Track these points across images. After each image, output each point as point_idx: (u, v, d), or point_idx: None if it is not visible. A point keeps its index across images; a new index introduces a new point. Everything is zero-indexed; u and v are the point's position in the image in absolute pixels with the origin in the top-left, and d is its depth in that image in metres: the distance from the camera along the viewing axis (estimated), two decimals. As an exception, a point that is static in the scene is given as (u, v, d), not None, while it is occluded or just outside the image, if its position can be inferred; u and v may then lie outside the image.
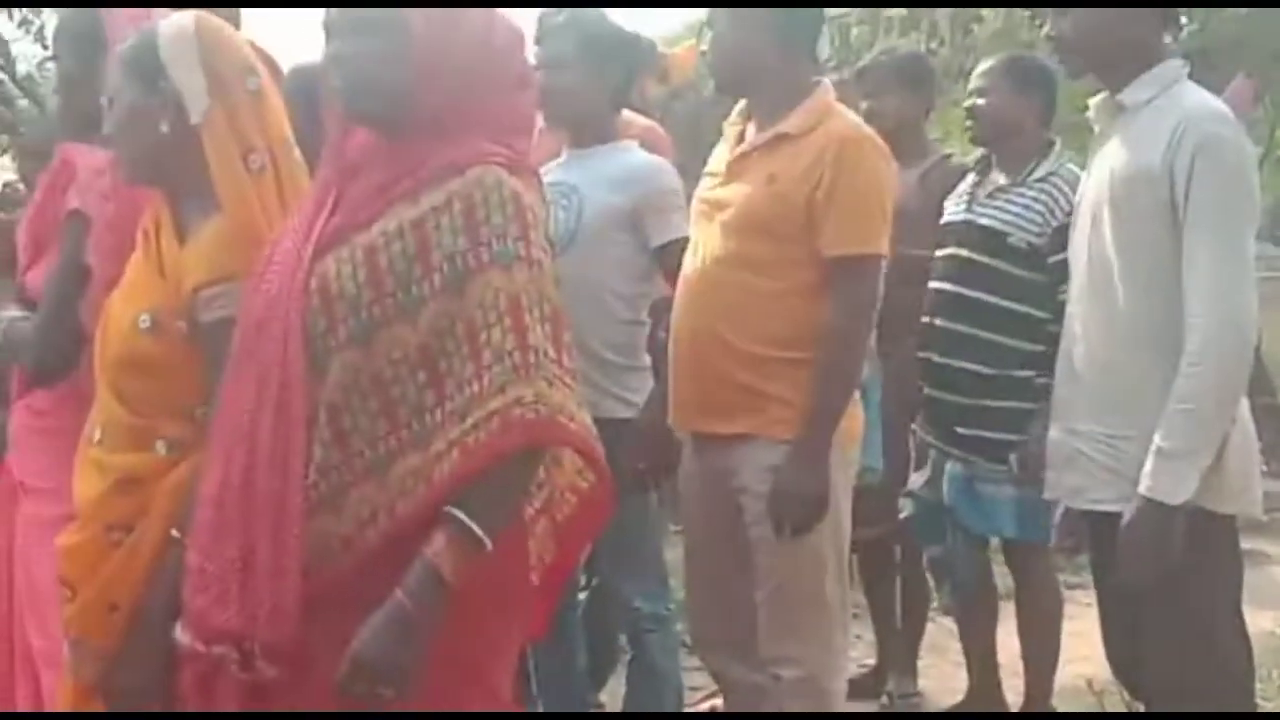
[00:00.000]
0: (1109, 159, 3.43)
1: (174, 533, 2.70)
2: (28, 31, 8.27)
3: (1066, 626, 5.04)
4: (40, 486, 3.29)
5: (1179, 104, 3.35)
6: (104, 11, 3.30)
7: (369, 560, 2.46)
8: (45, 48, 8.66)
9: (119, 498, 2.79)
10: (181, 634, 2.59)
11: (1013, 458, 4.54)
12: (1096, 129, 3.54)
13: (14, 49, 8.20)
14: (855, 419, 3.85)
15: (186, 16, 2.87)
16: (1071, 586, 5.59)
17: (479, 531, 2.40)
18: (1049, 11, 3.53)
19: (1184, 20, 9.93)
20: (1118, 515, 3.31)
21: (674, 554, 4.55)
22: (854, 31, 10.13)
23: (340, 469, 2.49)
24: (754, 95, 3.86)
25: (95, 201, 3.15)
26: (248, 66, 2.87)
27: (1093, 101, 3.55)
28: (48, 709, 3.18)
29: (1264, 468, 11.57)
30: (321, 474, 2.49)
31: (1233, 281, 3.24)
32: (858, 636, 5.54)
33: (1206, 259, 3.23)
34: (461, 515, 2.40)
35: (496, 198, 2.49)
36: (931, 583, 5.45)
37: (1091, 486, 3.45)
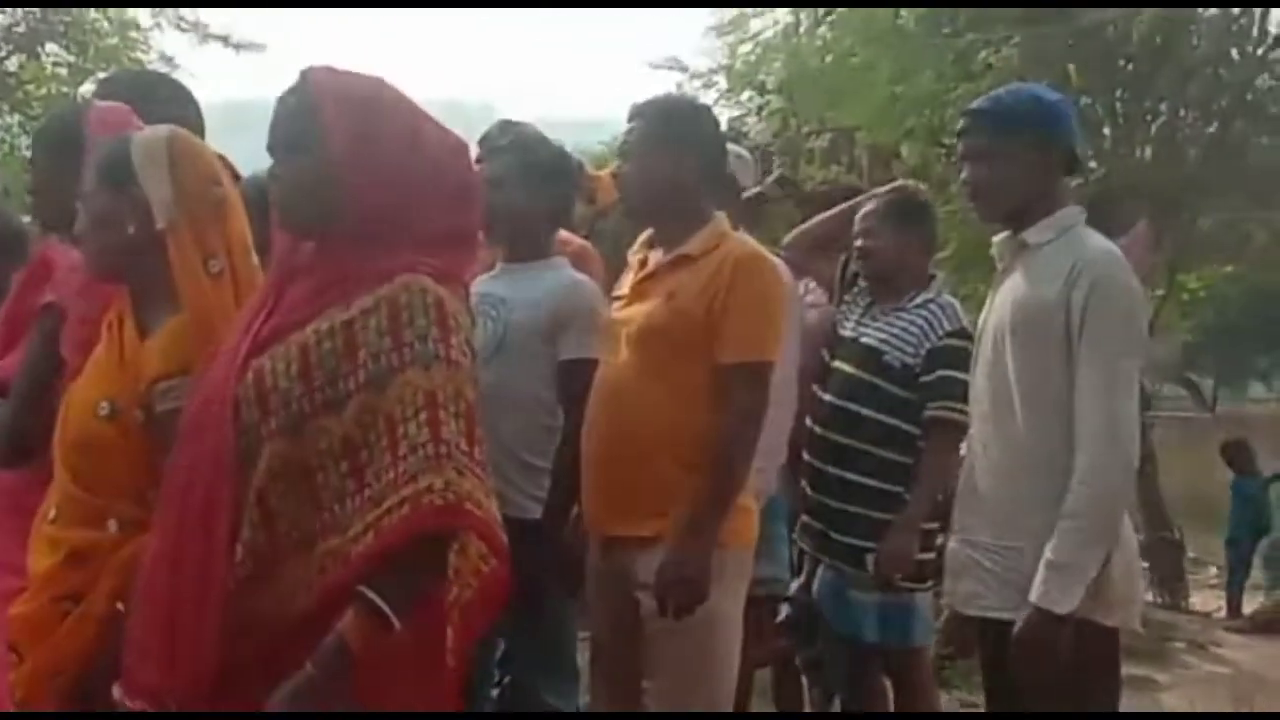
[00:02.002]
0: (1011, 292, 3.70)
1: (119, 606, 2.90)
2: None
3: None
4: (2, 561, 3.45)
5: (1077, 246, 3.64)
6: (84, 117, 3.52)
7: (290, 634, 2.65)
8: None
9: (69, 570, 3.00)
10: (116, 690, 2.80)
11: (868, 559, 4.81)
12: (1000, 264, 3.82)
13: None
14: (749, 525, 4.09)
15: (161, 130, 3.12)
16: (964, 705, 5.81)
17: (386, 609, 2.60)
18: (966, 160, 3.78)
19: (1092, 165, 10.37)
20: (1006, 622, 3.54)
21: (583, 656, 4.74)
22: (775, 161, 10.44)
23: (267, 549, 2.69)
24: (663, 221, 4.14)
25: (70, 296, 3.35)
26: (212, 178, 3.11)
27: (996, 240, 3.83)
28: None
29: (1159, 599, 11.87)
30: (249, 552, 2.69)
31: (1119, 409, 3.51)
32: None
33: (1096, 387, 3.50)
34: (370, 594, 2.60)
35: (420, 303, 2.70)
36: (805, 685, 5.62)
37: (985, 594, 3.68)
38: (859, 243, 5.09)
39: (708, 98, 12.34)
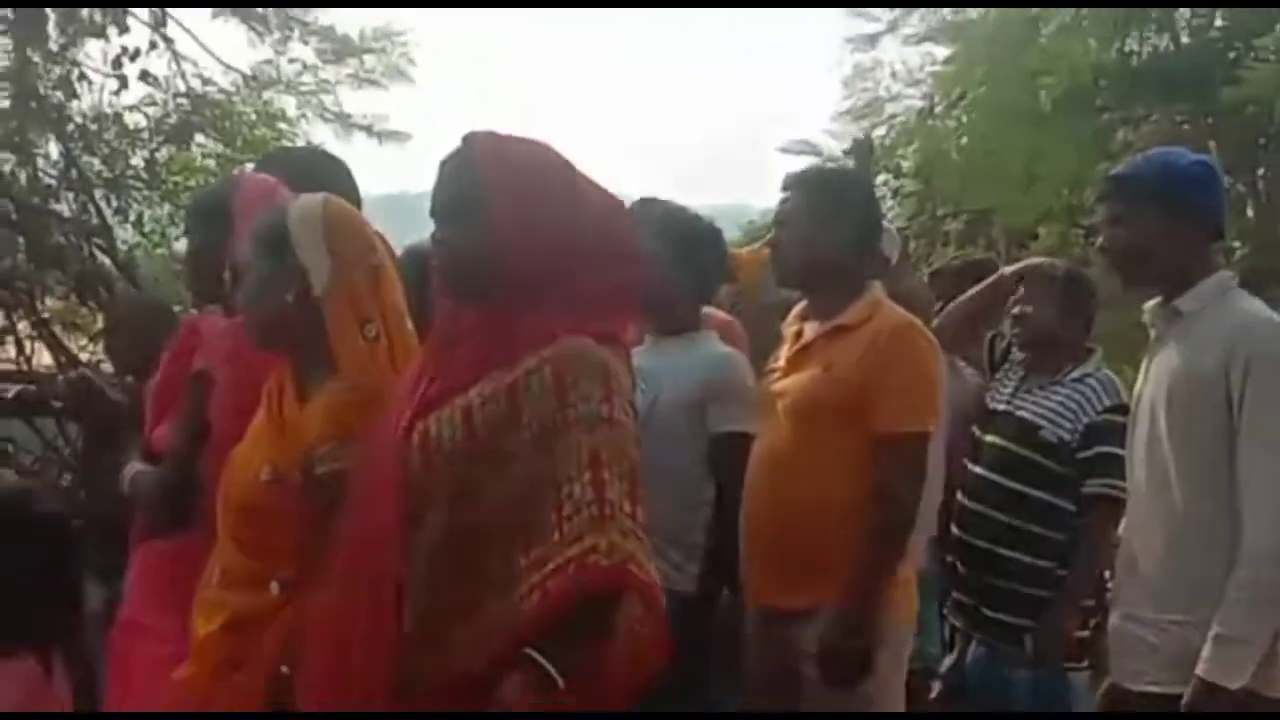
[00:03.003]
0: (1166, 362, 3.63)
1: (284, 669, 2.91)
2: (125, 219, 8.67)
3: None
4: (150, 626, 3.50)
5: (1232, 313, 3.57)
6: (235, 190, 3.60)
7: (456, 697, 2.65)
8: (143, 234, 9.11)
9: (232, 635, 3.04)
10: None
11: (1028, 639, 4.70)
12: (1153, 333, 3.74)
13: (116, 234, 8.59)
14: (909, 597, 4.05)
15: (316, 199, 3.17)
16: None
17: (553, 672, 2.58)
18: (1102, 226, 3.74)
19: (1236, 244, 10.20)
20: (1173, 696, 3.45)
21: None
22: (912, 244, 10.41)
23: (434, 610, 2.70)
24: (817, 291, 4.13)
25: (219, 364, 3.42)
26: (368, 246, 3.16)
27: (1147, 307, 3.76)
28: None
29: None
30: (416, 614, 2.70)
31: None
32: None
33: (1260, 460, 3.41)
34: (537, 656, 2.59)
35: (583, 364, 2.71)
36: None
37: (1149, 670, 3.58)
38: (1019, 309, 5.02)
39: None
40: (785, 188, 4.16)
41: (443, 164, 2.86)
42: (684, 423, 4.37)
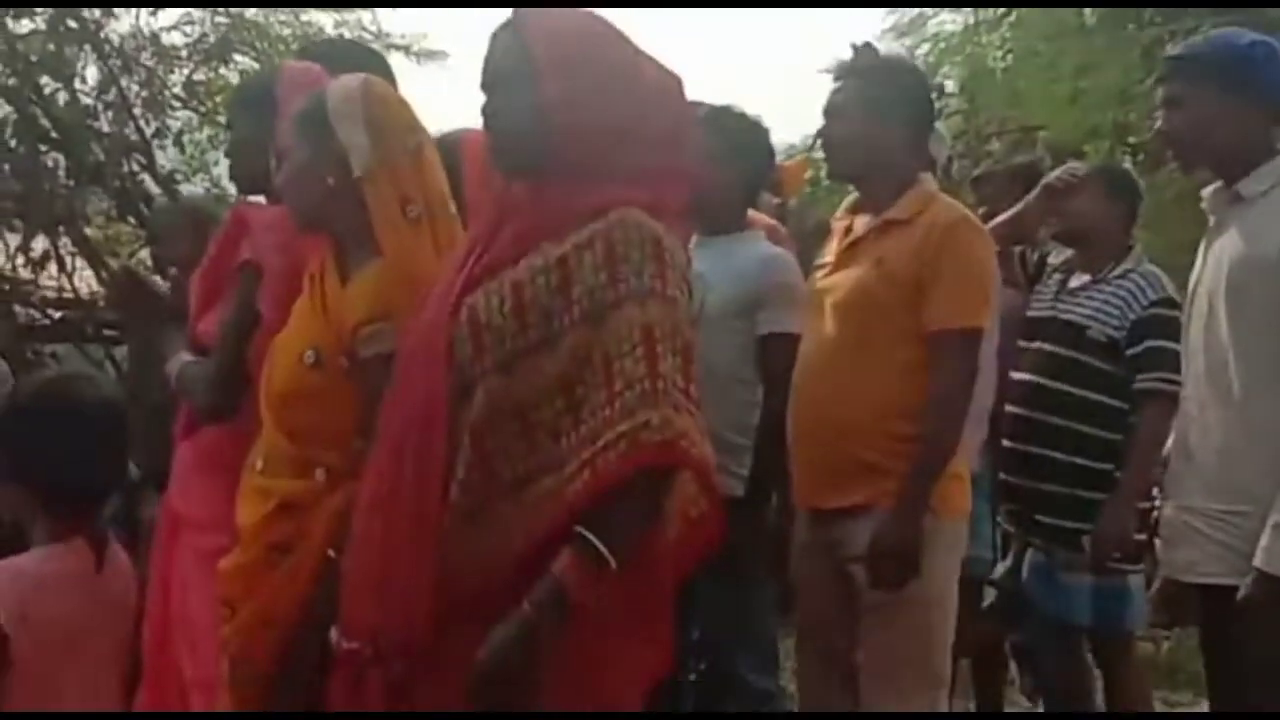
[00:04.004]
0: (1225, 248, 3.55)
1: (331, 553, 2.89)
2: (164, 139, 8.64)
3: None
4: (200, 519, 3.49)
5: None
6: (278, 78, 3.55)
7: (504, 575, 2.60)
8: (184, 157, 9.09)
9: (279, 521, 3.02)
10: (333, 632, 2.78)
11: (1085, 542, 4.66)
12: (1211, 220, 3.66)
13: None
14: (962, 494, 3.99)
15: (355, 79, 3.13)
16: (1170, 704, 5.63)
17: (604, 551, 2.54)
18: (1162, 108, 3.65)
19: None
20: (1230, 589, 3.39)
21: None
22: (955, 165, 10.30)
23: (482, 488, 2.64)
24: (869, 183, 4.06)
25: (268, 254, 3.38)
26: (409, 126, 3.12)
27: (1206, 191, 3.68)
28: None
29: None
30: (464, 492, 2.64)
31: None
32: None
33: None
34: (589, 535, 2.54)
35: (636, 237, 2.64)
36: (1014, 670, 5.47)
37: (1203, 561, 3.53)
38: (1063, 203, 4.95)
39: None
40: (837, 77, 4.08)
41: (493, 36, 2.79)
42: (732, 324, 4.33)
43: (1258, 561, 3.33)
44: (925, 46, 12.09)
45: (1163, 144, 3.81)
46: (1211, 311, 3.55)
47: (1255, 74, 3.57)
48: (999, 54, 11.90)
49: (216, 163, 9.10)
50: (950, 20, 12.12)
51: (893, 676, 3.87)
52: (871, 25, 13.72)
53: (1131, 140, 11.13)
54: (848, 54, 4.15)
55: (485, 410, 2.65)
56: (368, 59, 3.98)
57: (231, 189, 5.17)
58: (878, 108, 3.96)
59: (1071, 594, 4.85)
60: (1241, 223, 3.53)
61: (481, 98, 2.81)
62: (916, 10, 12.14)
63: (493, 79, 2.79)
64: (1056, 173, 5.08)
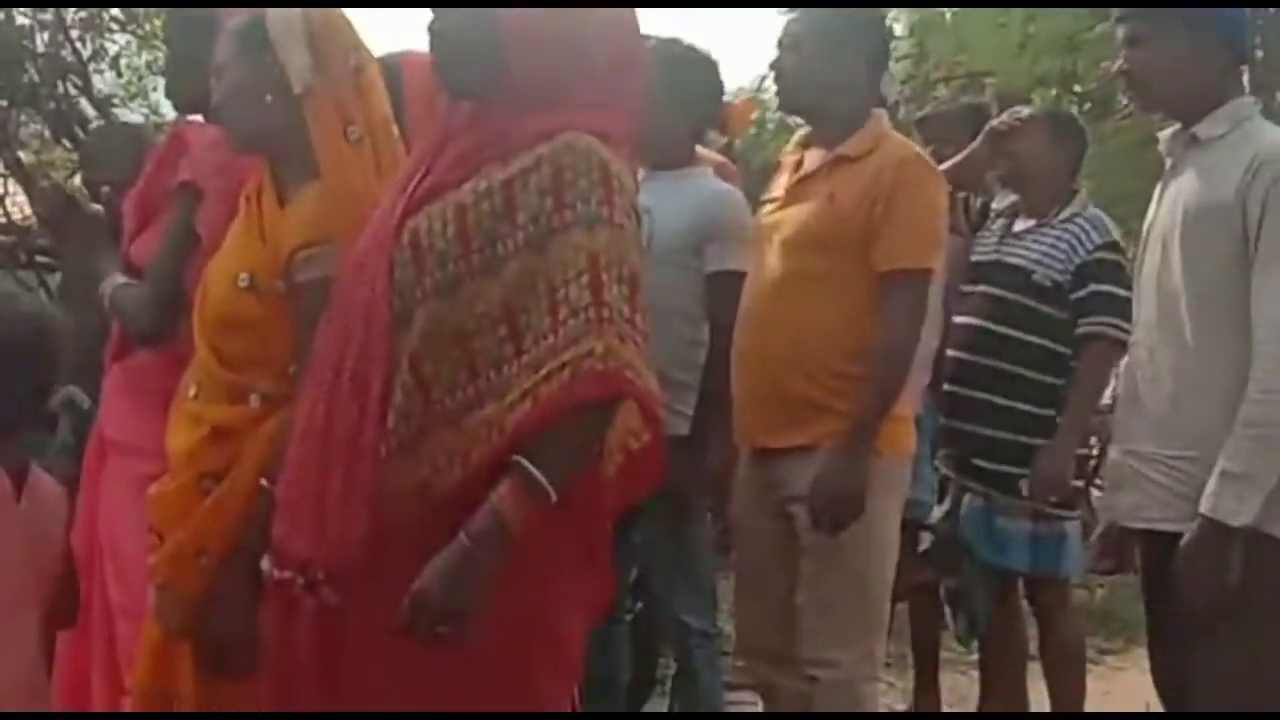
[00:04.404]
0: (1181, 191, 3.49)
1: (263, 482, 2.81)
2: (102, 63, 8.49)
3: (1098, 687, 5.18)
4: (129, 444, 3.41)
5: (1253, 139, 3.42)
6: None
7: (443, 505, 2.54)
8: (120, 75, 8.92)
9: (211, 448, 2.94)
10: (264, 561, 2.73)
11: (1021, 484, 4.65)
12: (1169, 162, 3.61)
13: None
14: (906, 434, 3.97)
15: None
16: (1103, 651, 5.66)
17: (543, 481, 2.48)
18: (1125, 44, 3.60)
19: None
20: (1174, 535, 3.36)
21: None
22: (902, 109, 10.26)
23: (420, 415, 2.58)
24: (821, 118, 3.99)
25: (207, 174, 3.29)
26: (352, 44, 3.03)
27: (1164, 134, 3.63)
28: (121, 661, 3.28)
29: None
30: (402, 419, 2.58)
31: None
32: (890, 684, 5.64)
33: (1275, 291, 3.29)
34: (527, 464, 2.48)
35: (584, 163, 2.57)
36: (949, 615, 5.49)
37: (1149, 505, 3.49)
38: (1008, 144, 4.92)
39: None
40: (793, 5, 4.01)
41: None
42: (680, 260, 4.27)
43: (1204, 508, 3.29)
44: (874, -11, 12.05)
45: (1122, 82, 3.74)
46: (1165, 255, 3.50)
47: (1216, 14, 3.52)
48: (948, -1, 11.85)
49: (155, 88, 8.96)
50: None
51: (832, 619, 3.84)
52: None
53: (1077, 89, 11.12)
54: None
55: (425, 336, 2.58)
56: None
57: (170, 115, 5.06)
58: (833, 41, 3.89)
59: (1009, 539, 4.86)
60: (1198, 166, 3.48)
61: (427, 14, 2.73)
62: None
63: None
64: (1002, 117, 5.04)
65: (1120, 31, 3.64)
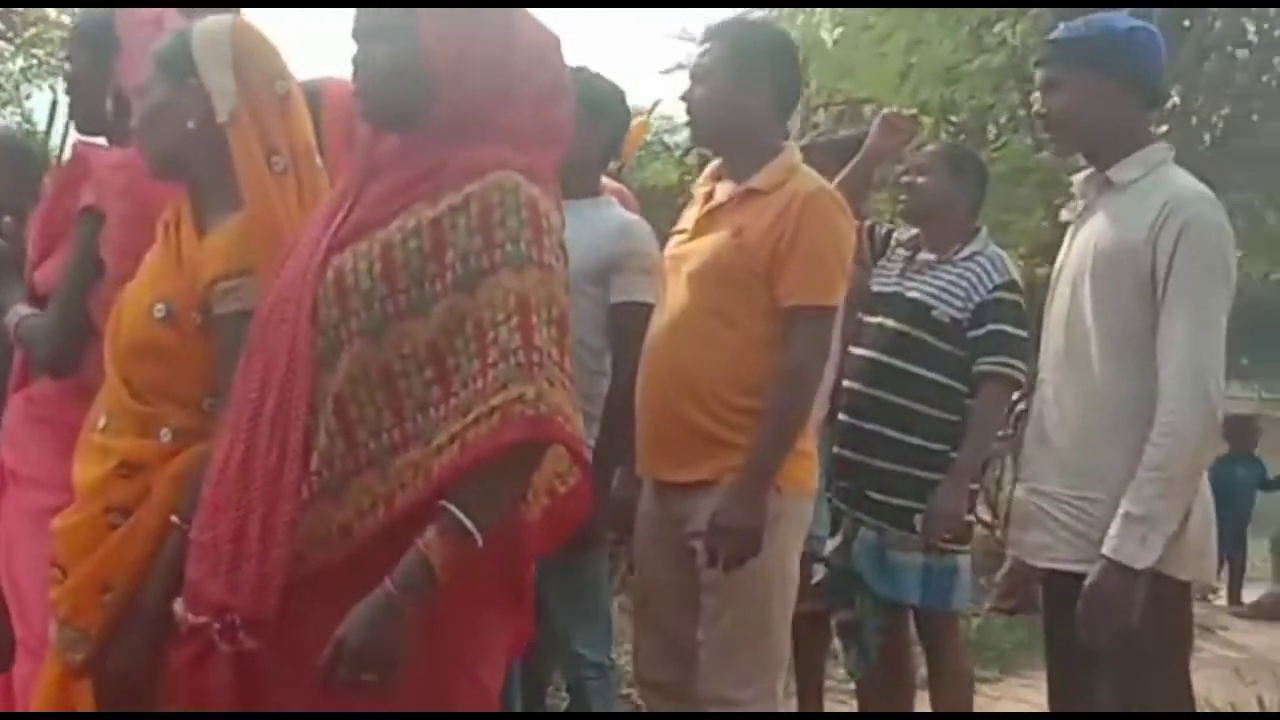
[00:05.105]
0: (1093, 233, 3.54)
1: (174, 519, 2.74)
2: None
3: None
4: (32, 476, 3.31)
5: (1166, 184, 3.48)
6: (117, 12, 3.37)
7: (365, 549, 2.51)
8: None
9: (120, 481, 2.85)
10: (178, 605, 2.65)
11: (916, 519, 4.69)
12: (1081, 204, 3.66)
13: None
14: (809, 472, 3.96)
15: (224, 18, 2.97)
16: (979, 680, 5.74)
17: (470, 525, 2.44)
18: (1038, 90, 3.65)
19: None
20: (1076, 575, 3.40)
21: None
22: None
23: (344, 458, 2.54)
24: (732, 150, 3.98)
25: (110, 198, 3.19)
26: (278, 71, 2.96)
27: (1077, 177, 3.69)
28: (18, 698, 3.18)
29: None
30: (325, 462, 2.54)
31: (1206, 357, 3.35)
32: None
33: (1182, 334, 3.34)
34: (454, 509, 2.44)
35: (513, 201, 2.54)
36: (840, 647, 5.52)
37: (1054, 546, 3.53)
38: (908, 179, 4.98)
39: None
40: (704, 39, 4.00)
41: None
42: (585, 290, 4.23)
43: (1106, 549, 3.33)
44: (758, 14, 12.09)
45: (1041, 126, 3.80)
46: (1075, 294, 3.54)
47: (1132, 59, 3.57)
48: (831, 25, 11.92)
49: (29, 96, 8.75)
50: (785, -14, 12.12)
51: (732, 657, 3.82)
52: (708, -8, 13.68)
53: (954, 119, 11.24)
54: (682, 17, 4.09)
55: (350, 377, 2.54)
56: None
57: (43, 123, 4.94)
58: (743, 73, 3.88)
59: (901, 572, 4.87)
60: (1111, 209, 3.53)
61: (352, 46, 2.69)
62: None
63: (368, 24, 2.66)
64: (894, 109, 5.12)
65: (1038, 76, 3.70)
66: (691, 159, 9.87)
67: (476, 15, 2.62)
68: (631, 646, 4.29)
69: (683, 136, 10.16)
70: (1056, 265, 3.72)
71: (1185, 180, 3.53)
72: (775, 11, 11.95)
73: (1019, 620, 7.66)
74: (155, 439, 2.85)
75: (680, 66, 12.04)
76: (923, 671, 5.31)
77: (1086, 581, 3.36)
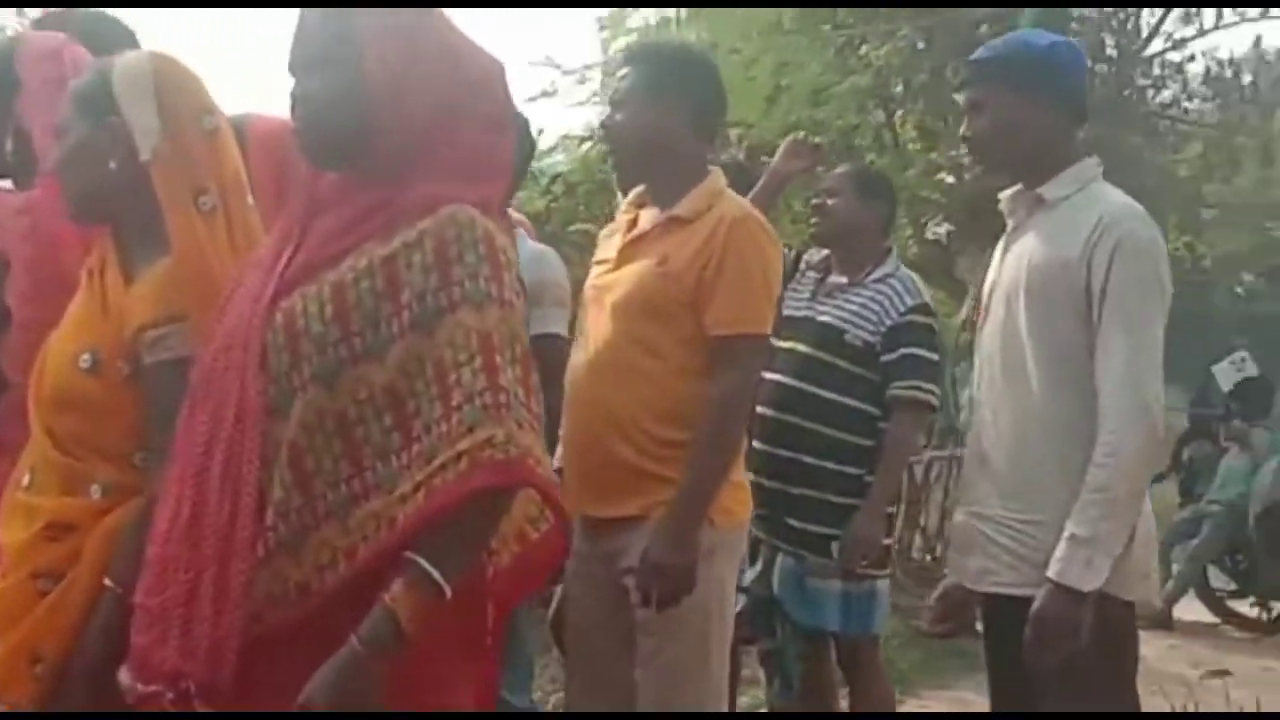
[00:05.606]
0: (1026, 250, 3.49)
1: (107, 581, 2.60)
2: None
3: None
4: None
5: (1098, 201, 3.45)
6: (16, 49, 3.21)
7: (326, 605, 2.39)
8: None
9: (47, 544, 2.70)
10: (124, 675, 2.50)
11: (833, 545, 4.65)
12: (1010, 222, 3.62)
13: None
14: (742, 504, 3.88)
15: (143, 53, 2.83)
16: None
17: (438, 577, 2.34)
18: (965, 113, 3.61)
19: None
20: (1019, 599, 3.34)
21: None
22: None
23: (301, 512, 2.42)
24: (654, 176, 3.87)
25: (14, 242, 3.03)
26: (204, 106, 2.82)
27: (1005, 195, 3.64)
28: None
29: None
30: (281, 516, 2.41)
31: (1145, 373, 3.31)
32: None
33: (1120, 351, 3.30)
34: (423, 562, 2.33)
35: (469, 237, 2.43)
36: (762, 677, 5.46)
37: (996, 570, 3.47)
38: (818, 201, 4.95)
39: (582, 95, 12.12)
40: (623, 64, 3.91)
41: (304, 14, 2.54)
42: None
43: (1052, 573, 3.28)
44: (623, 40, 12.06)
45: (968, 148, 3.75)
46: (1009, 313, 3.49)
47: (1055, 75, 3.54)
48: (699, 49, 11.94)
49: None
50: (651, 15, 12.12)
51: (674, 692, 3.72)
52: (578, 16, 13.65)
53: (818, 139, 11.29)
54: (558, 45, 4.00)
55: (304, 426, 2.41)
56: (113, 29, 3.62)
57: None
58: (662, 95, 3.79)
59: (821, 599, 4.84)
60: (1043, 226, 3.48)
61: (288, 81, 2.56)
62: (614, 8, 12.13)
63: (306, 56, 2.54)
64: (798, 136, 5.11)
65: (963, 100, 3.66)
66: (558, 187, 9.78)
67: (416, 44, 2.51)
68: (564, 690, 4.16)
69: (547, 163, 10.07)
70: (987, 284, 3.67)
71: (1118, 197, 3.50)
72: (641, 37, 11.97)
73: (916, 640, 7.70)
74: (84, 496, 2.70)
75: (545, 94, 12.02)
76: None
77: (1033, 607, 3.30)
